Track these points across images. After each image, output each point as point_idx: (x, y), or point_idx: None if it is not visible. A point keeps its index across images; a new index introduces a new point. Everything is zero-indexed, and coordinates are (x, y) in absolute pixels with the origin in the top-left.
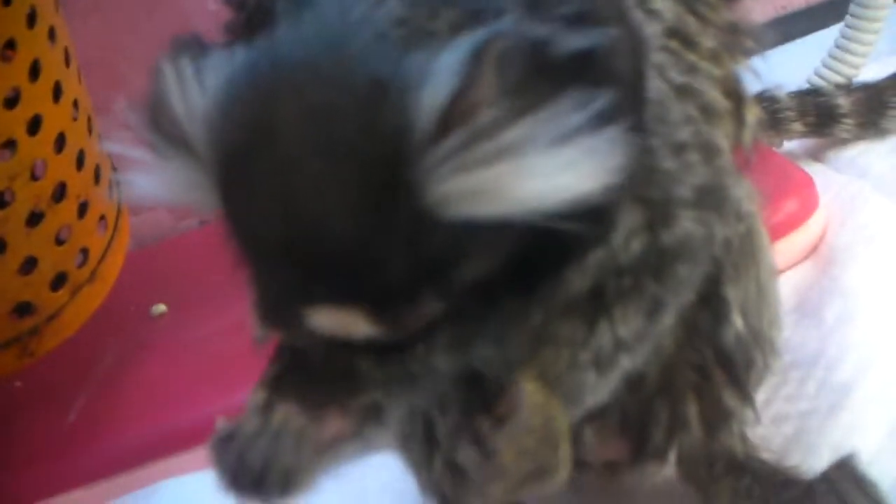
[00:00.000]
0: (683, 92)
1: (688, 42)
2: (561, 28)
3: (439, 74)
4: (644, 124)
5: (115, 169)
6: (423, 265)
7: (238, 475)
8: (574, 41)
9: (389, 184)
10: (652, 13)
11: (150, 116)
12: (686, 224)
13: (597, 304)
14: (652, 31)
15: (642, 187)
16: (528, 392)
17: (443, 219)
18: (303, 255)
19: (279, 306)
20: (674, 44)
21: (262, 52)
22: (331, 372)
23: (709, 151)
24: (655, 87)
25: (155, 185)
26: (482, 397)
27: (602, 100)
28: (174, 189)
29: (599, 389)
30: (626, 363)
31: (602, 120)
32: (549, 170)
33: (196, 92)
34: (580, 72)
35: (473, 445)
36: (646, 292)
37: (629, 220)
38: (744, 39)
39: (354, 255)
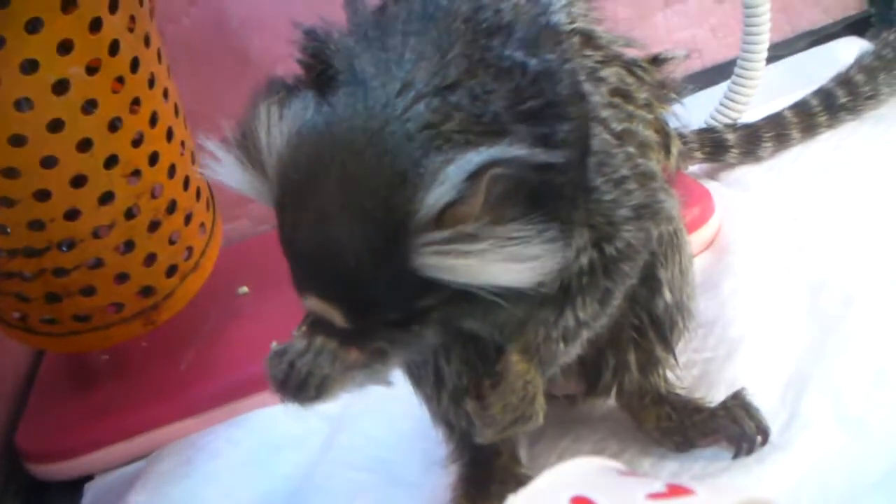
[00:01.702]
0: (623, 136)
1: (627, 96)
2: (534, 144)
3: (444, 184)
4: (586, 188)
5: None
6: (394, 298)
7: (286, 380)
8: (542, 157)
9: (386, 245)
10: (599, 80)
11: (241, 138)
12: (627, 236)
13: (564, 296)
14: (599, 93)
15: (589, 217)
16: (514, 362)
17: (419, 277)
18: (314, 262)
19: (295, 286)
20: (617, 100)
21: (326, 119)
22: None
23: (644, 178)
24: (600, 139)
25: (232, 180)
26: (478, 351)
27: (550, 230)
28: (245, 187)
29: (567, 355)
30: (586, 335)
31: (547, 241)
32: (501, 268)
33: (276, 132)
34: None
35: (475, 400)
36: (599, 286)
37: (579, 240)
38: (669, 92)
39: (345, 276)
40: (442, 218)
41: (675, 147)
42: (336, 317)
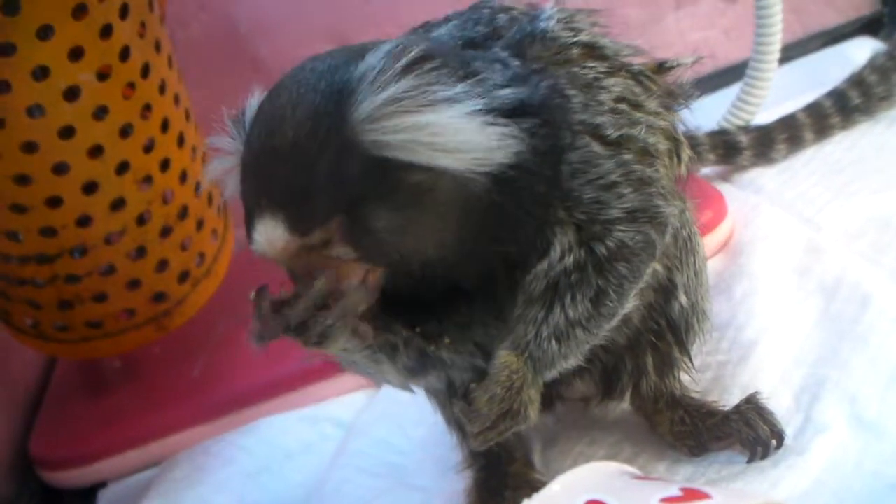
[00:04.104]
0: (620, 142)
1: (635, 104)
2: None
3: (381, 48)
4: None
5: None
6: (338, 192)
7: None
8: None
9: (329, 117)
10: (602, 88)
11: (234, 119)
12: (621, 235)
13: (552, 294)
14: (597, 101)
15: (571, 213)
16: (501, 356)
17: (365, 143)
18: (261, 164)
19: (247, 229)
20: (622, 106)
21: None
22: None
23: (641, 183)
24: (584, 150)
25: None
26: (485, 359)
27: (501, 96)
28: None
29: (567, 358)
30: (584, 337)
31: (496, 112)
32: (439, 119)
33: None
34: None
35: (462, 400)
36: (591, 284)
37: (563, 240)
38: (677, 100)
39: (289, 168)
40: (377, 74)
41: (685, 153)
42: (280, 231)
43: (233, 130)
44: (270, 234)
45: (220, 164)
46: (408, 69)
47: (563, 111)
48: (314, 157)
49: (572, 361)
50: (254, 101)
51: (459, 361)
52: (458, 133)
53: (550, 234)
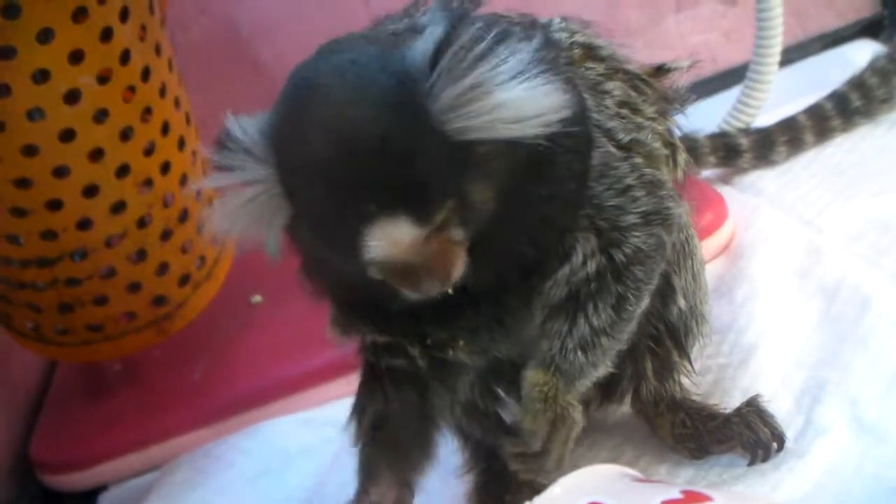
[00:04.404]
0: (631, 146)
1: (635, 109)
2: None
3: (429, 32)
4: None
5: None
6: (442, 176)
7: None
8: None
9: (405, 107)
10: (605, 92)
11: (219, 144)
12: (636, 241)
13: (574, 304)
14: (604, 105)
15: (592, 220)
16: (529, 377)
17: (449, 131)
18: (351, 181)
19: (350, 232)
20: (625, 111)
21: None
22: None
23: (652, 186)
24: (603, 150)
25: (231, 214)
26: (490, 365)
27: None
28: (245, 178)
29: (596, 366)
30: (608, 343)
31: (545, 72)
32: (514, 95)
33: (250, 122)
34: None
35: (508, 437)
36: (611, 291)
37: (585, 246)
38: (672, 104)
39: (390, 166)
40: (437, 51)
41: (682, 157)
42: (404, 227)
43: (237, 158)
44: (393, 234)
45: (239, 198)
46: (479, 57)
47: (583, 106)
48: (410, 151)
49: (602, 370)
50: (237, 123)
51: (478, 361)
52: (528, 103)
53: (572, 240)
